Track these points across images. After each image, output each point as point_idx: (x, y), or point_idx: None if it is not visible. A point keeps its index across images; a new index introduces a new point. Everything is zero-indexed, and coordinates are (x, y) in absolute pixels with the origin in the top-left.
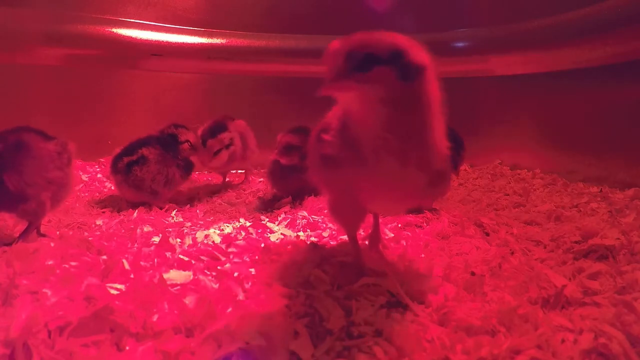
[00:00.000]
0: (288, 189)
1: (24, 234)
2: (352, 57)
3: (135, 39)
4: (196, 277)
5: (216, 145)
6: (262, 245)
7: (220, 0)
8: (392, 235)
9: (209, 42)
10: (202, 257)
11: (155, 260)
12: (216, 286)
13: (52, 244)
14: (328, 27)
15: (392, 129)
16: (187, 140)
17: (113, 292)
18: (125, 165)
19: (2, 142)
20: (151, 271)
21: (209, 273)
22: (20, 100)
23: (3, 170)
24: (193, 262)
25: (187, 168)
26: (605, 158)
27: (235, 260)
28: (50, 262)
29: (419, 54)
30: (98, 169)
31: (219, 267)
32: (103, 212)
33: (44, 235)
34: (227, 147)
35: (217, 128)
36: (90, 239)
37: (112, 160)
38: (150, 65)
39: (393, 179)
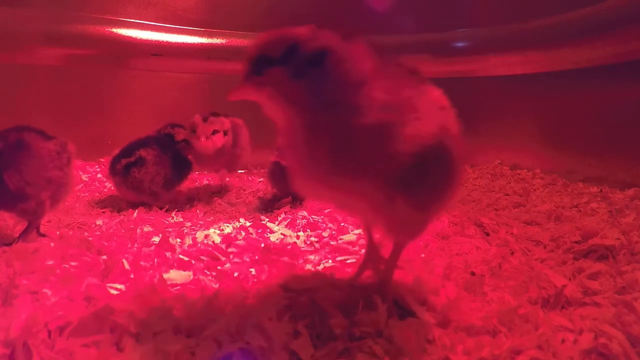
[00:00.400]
0: (288, 190)
1: (24, 234)
2: (249, 59)
3: (135, 39)
4: (196, 277)
5: (215, 124)
6: (262, 245)
7: (220, 0)
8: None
9: (209, 42)
10: (202, 257)
11: (155, 260)
12: (216, 286)
13: (52, 244)
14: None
15: (307, 132)
16: (185, 140)
17: (113, 292)
18: (124, 167)
19: (2, 141)
20: (151, 271)
21: (209, 273)
22: (20, 100)
23: (3, 169)
24: (193, 262)
25: (186, 168)
26: (605, 158)
27: (235, 260)
28: (50, 262)
29: (321, 40)
30: (98, 169)
31: (219, 267)
32: (103, 212)
33: (44, 235)
34: (225, 132)
35: (213, 115)
36: (90, 239)
37: (110, 162)
38: (150, 65)
39: (318, 189)
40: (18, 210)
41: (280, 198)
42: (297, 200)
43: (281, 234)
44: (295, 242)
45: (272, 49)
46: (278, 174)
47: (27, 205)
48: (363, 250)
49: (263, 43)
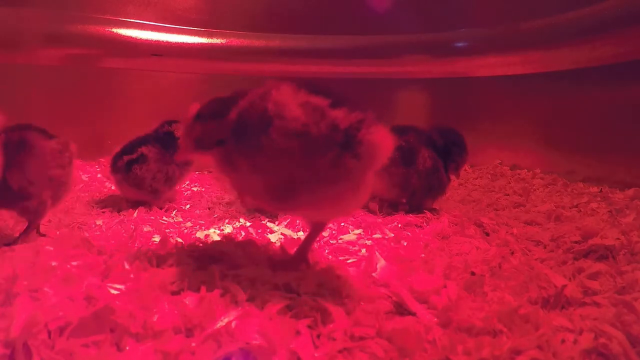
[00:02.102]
0: None
1: (24, 234)
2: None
3: (135, 39)
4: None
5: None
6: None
7: (220, 0)
8: (392, 235)
9: (209, 42)
10: (201, 257)
11: (155, 260)
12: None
13: (52, 244)
14: (328, 27)
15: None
16: None
17: (113, 292)
18: (125, 164)
19: (5, 140)
20: (151, 271)
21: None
22: (20, 100)
23: (6, 168)
24: (192, 262)
25: (187, 165)
26: (605, 158)
27: None
28: (50, 262)
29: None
30: (98, 169)
31: (218, 267)
32: (103, 212)
33: (43, 235)
34: None
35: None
36: (90, 239)
37: (111, 159)
38: (150, 65)
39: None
40: (19, 209)
41: None
42: None
43: (281, 234)
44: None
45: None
46: None
47: (29, 204)
48: (364, 250)
49: (197, 134)
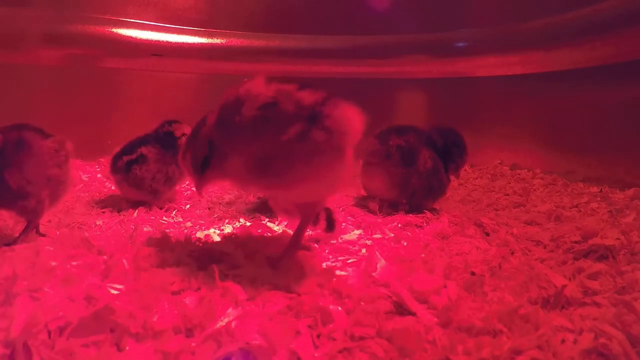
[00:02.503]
0: None
1: (24, 233)
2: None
3: (135, 39)
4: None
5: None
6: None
7: (220, 0)
8: (392, 235)
9: (209, 42)
10: (201, 257)
11: (155, 260)
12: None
13: (52, 244)
14: (328, 27)
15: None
16: (184, 134)
17: (113, 292)
18: (125, 164)
19: (2, 140)
20: (151, 271)
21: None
22: (20, 100)
23: (4, 168)
24: (193, 262)
25: None
26: (605, 158)
27: None
28: (50, 262)
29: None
30: (98, 169)
31: (218, 267)
32: (103, 212)
33: (43, 235)
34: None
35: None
36: (90, 239)
37: (111, 160)
38: (150, 65)
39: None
40: (18, 208)
41: None
42: None
43: (281, 233)
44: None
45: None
46: None
47: (27, 203)
48: (364, 250)
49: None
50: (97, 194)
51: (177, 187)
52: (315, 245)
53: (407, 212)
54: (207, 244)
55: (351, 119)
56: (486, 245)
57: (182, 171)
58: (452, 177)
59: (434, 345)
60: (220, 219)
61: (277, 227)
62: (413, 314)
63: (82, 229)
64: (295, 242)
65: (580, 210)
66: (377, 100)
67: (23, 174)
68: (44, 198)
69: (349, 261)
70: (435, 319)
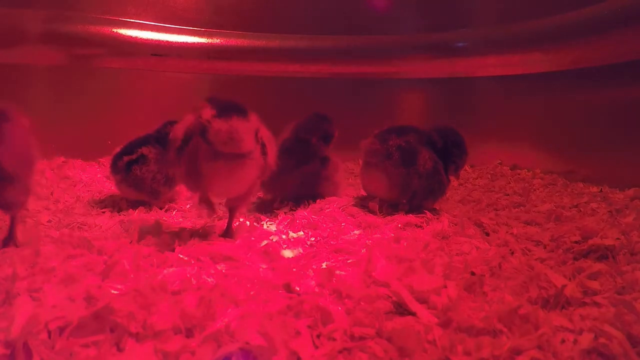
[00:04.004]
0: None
1: (13, 229)
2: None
3: (135, 39)
4: (196, 277)
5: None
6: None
7: (220, 0)
8: (392, 235)
9: (209, 42)
10: (202, 257)
11: (155, 260)
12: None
13: (52, 244)
14: (328, 27)
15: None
16: None
17: (113, 292)
18: (125, 165)
19: None
20: (151, 271)
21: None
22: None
23: None
24: (193, 262)
25: None
26: (605, 158)
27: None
28: (50, 262)
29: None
30: (98, 169)
31: (219, 267)
32: (103, 212)
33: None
34: None
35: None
36: (90, 239)
37: (111, 160)
38: (150, 65)
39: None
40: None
41: (282, 200)
42: (283, 201)
43: (281, 234)
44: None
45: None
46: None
47: (14, 189)
48: (364, 250)
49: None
50: (97, 194)
51: (178, 188)
52: (316, 245)
53: (407, 212)
54: (207, 244)
55: (236, 130)
56: (486, 245)
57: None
58: (452, 178)
59: (434, 345)
60: (220, 219)
61: (276, 227)
62: (413, 314)
63: (82, 229)
64: (229, 228)
65: (580, 210)
66: (377, 100)
67: (9, 151)
68: (29, 183)
69: (349, 261)
70: (435, 319)
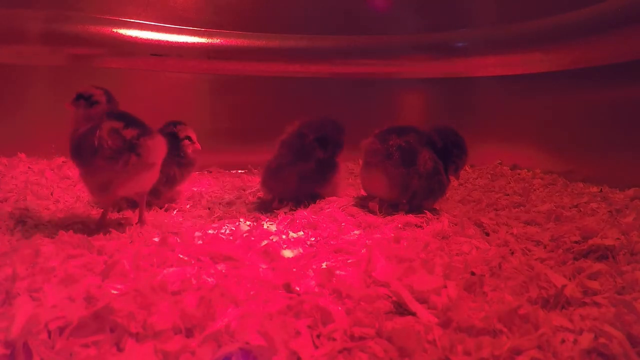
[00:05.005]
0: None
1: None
2: None
3: (135, 38)
4: (196, 277)
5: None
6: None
7: (220, 0)
8: (392, 235)
9: (209, 42)
10: (202, 257)
11: (155, 260)
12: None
13: (52, 244)
14: (328, 27)
15: None
16: (187, 137)
17: (113, 292)
18: None
19: None
20: (151, 271)
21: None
22: (20, 100)
23: None
24: (193, 262)
25: (188, 166)
26: (605, 158)
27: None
28: (50, 262)
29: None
30: None
31: (219, 267)
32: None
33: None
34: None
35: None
36: (90, 239)
37: None
38: (150, 65)
39: None
40: None
41: (273, 200)
42: (283, 201)
43: (281, 234)
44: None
45: None
46: (268, 176)
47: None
48: (364, 250)
49: None
50: None
51: (178, 188)
52: (316, 245)
53: (407, 212)
54: (207, 244)
55: (156, 146)
56: (486, 245)
57: (182, 172)
58: (452, 178)
59: (434, 345)
60: (220, 219)
61: (276, 227)
62: (413, 314)
63: (82, 229)
64: (141, 214)
65: (580, 210)
66: (377, 100)
67: None
68: None
69: (349, 261)
70: (435, 319)
